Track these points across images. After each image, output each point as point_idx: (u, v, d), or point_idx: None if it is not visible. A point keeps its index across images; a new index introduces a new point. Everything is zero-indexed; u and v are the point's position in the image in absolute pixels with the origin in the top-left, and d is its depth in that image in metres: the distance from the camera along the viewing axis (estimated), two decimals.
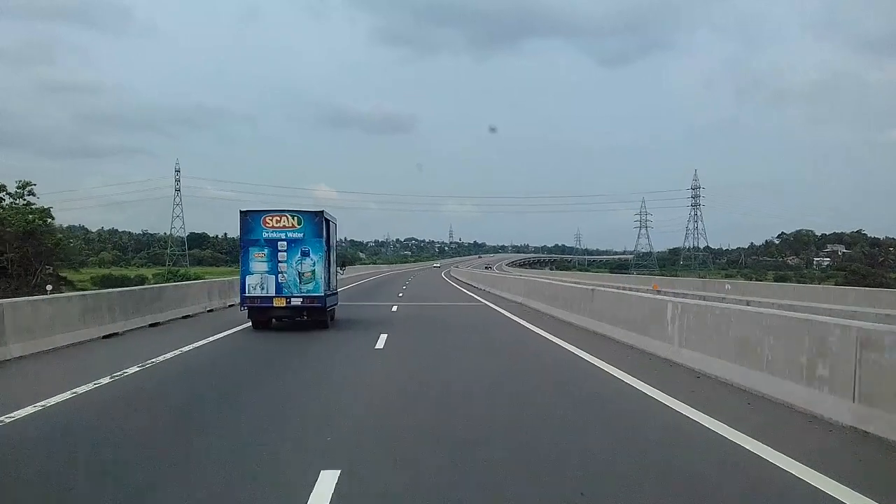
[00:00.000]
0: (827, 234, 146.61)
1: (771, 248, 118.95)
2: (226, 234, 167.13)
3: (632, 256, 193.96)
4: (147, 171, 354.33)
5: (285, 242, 14.98)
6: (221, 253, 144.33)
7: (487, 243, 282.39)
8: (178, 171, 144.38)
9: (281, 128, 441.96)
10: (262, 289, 14.91)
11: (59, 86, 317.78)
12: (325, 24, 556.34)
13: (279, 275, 14.92)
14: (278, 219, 15.10)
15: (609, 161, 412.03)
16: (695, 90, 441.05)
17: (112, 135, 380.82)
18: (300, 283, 14.97)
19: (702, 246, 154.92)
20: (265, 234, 15.01)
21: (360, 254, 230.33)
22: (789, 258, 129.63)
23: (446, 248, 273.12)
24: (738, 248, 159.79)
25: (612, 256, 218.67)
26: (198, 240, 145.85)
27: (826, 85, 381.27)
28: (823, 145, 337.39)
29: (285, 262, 14.93)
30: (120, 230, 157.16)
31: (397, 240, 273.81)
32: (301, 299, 14.94)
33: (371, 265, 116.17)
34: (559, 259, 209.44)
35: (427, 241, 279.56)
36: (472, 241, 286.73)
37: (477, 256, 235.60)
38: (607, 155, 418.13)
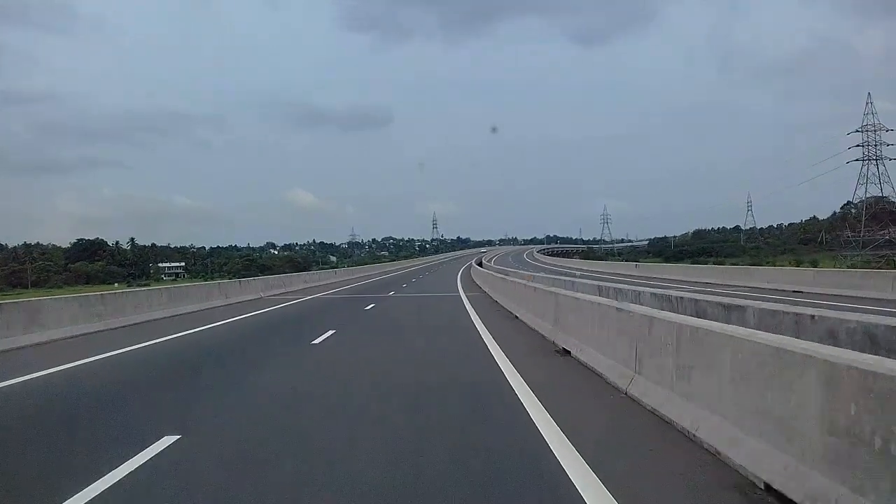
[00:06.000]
0: None
1: (849, 221, 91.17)
2: (132, 239, 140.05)
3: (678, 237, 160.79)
4: (117, 184, 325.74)
5: None
6: (120, 265, 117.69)
7: (472, 238, 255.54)
8: None
9: (251, 129, 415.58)
10: None
11: (9, 96, 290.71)
12: (287, 14, 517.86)
13: None
14: None
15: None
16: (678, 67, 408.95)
17: (74, 147, 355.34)
18: None
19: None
20: None
21: (332, 257, 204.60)
22: (883, 232, 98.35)
23: (427, 245, 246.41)
24: (782, 225, 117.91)
25: (615, 245, 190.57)
26: (88, 248, 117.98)
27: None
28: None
29: None
30: None
31: (373, 239, 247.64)
32: None
33: (330, 269, 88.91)
34: (586, 249, 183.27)
35: (406, 239, 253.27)
36: (455, 237, 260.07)
37: (515, 245, 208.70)
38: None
